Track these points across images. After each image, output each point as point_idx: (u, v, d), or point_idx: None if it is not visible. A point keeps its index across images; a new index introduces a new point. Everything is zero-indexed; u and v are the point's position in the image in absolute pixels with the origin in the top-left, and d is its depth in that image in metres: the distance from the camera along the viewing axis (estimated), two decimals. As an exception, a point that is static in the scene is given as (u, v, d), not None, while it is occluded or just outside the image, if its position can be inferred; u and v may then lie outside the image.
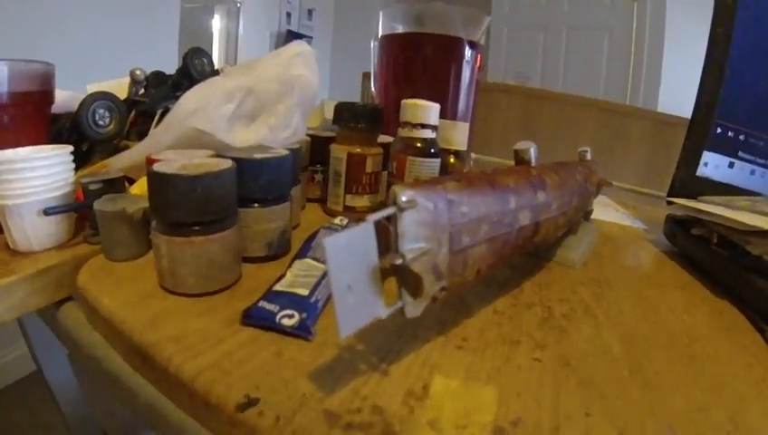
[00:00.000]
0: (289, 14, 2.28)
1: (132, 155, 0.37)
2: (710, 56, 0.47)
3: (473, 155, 0.87)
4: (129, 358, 0.22)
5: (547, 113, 1.06)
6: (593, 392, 0.20)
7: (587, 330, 0.26)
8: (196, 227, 0.24)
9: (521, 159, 0.28)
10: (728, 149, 0.48)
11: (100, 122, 0.41)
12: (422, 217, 0.18)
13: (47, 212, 0.28)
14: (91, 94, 0.40)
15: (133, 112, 0.51)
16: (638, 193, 0.83)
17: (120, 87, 0.54)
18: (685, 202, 0.45)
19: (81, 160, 0.41)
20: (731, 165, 0.48)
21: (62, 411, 0.65)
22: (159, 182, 0.24)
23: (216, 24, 2.12)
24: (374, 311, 0.17)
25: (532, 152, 0.28)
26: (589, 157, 0.50)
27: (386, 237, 0.17)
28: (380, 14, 0.55)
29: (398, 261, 0.17)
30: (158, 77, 0.58)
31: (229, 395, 0.17)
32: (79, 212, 0.32)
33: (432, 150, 0.37)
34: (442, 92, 0.51)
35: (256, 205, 0.30)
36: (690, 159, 0.48)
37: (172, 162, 0.26)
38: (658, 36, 1.80)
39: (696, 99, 0.48)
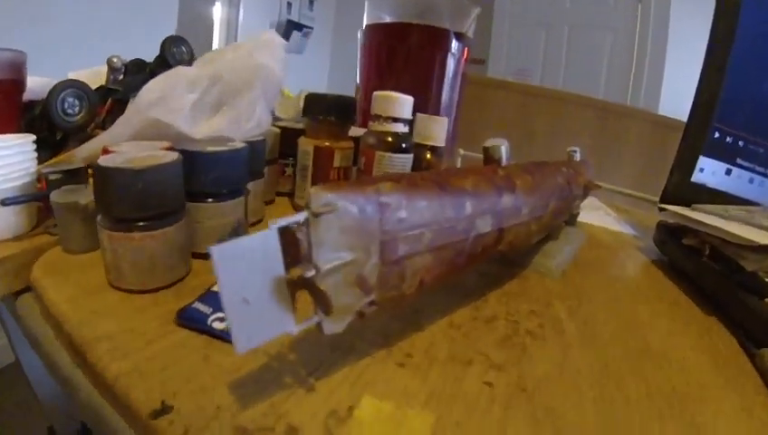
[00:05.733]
0: (290, 4, 2.24)
1: (94, 145, 0.36)
2: (710, 55, 0.44)
3: (461, 151, 0.85)
4: (70, 354, 0.22)
5: (544, 111, 1.03)
6: (547, 426, 0.18)
7: (553, 350, 0.23)
8: (140, 223, 0.24)
9: (490, 157, 0.26)
10: (726, 154, 0.45)
11: (70, 111, 0.41)
12: (344, 224, 0.15)
13: (5, 202, 0.28)
14: (61, 82, 0.40)
15: (110, 101, 0.50)
16: (631, 197, 0.80)
17: (101, 75, 0.53)
18: (677, 209, 0.42)
19: (55, 149, 0.41)
20: (728, 172, 0.45)
21: (40, 402, 0.64)
22: (100, 176, 0.23)
23: (218, 11, 2.10)
24: (281, 326, 0.15)
25: (504, 151, 0.26)
26: (578, 157, 0.47)
27: (296, 245, 0.15)
28: (366, 2, 0.52)
29: (310, 273, 0.15)
30: (137, 65, 0.56)
31: (145, 400, 0.17)
32: (43, 202, 0.31)
33: (403, 145, 0.35)
34: (424, 85, 0.48)
35: (209, 199, 0.29)
36: (685, 163, 0.46)
37: (121, 155, 0.25)
38: (662, 37, 1.77)
39: (694, 100, 0.45)
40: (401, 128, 0.35)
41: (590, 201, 0.63)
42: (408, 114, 0.35)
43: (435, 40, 0.48)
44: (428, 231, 0.18)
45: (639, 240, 0.49)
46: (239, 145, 0.30)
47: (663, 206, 0.44)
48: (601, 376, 0.22)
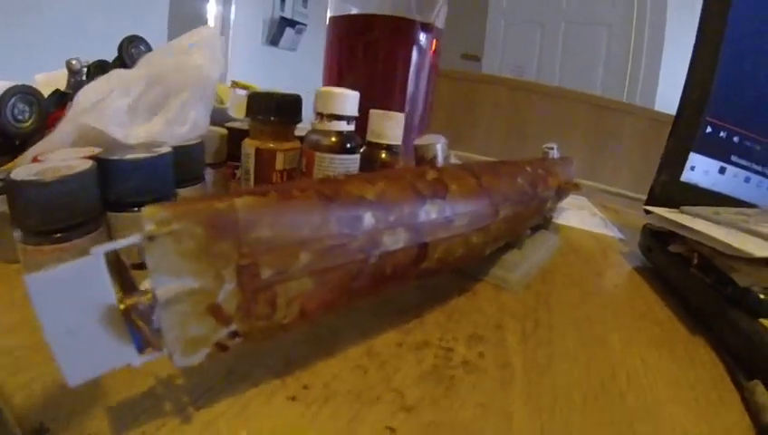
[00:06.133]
0: (283, 1, 2.21)
1: (33, 153, 0.34)
2: (701, 41, 0.40)
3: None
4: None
5: (537, 108, 0.98)
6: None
7: (488, 386, 0.20)
8: (53, 235, 0.23)
9: (422, 158, 0.22)
10: (719, 151, 0.41)
11: (20, 117, 0.40)
12: (185, 247, 0.13)
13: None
14: (10, 88, 0.38)
15: (67, 104, 0.48)
16: (622, 196, 0.76)
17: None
18: (664, 212, 0.38)
19: (13, 155, 0.40)
20: (722, 170, 0.41)
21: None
22: (9, 188, 0.23)
23: (211, 9, 2.08)
24: (120, 358, 0.14)
25: (439, 149, 0.22)
26: (555, 154, 0.43)
27: (129, 272, 0.12)
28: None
29: (144, 303, 0.13)
30: (100, 66, 0.54)
31: (29, 421, 0.16)
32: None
33: (348, 146, 0.31)
34: (387, 80, 0.45)
35: (135, 209, 0.28)
36: (674, 161, 0.42)
37: (41, 165, 0.25)
38: (658, 33, 1.73)
39: (683, 92, 0.41)
40: (344, 126, 0.31)
41: (574, 200, 0.59)
42: (352, 111, 0.31)
43: (399, 32, 0.44)
44: (306, 251, 0.14)
45: (625, 244, 0.45)
46: (163, 150, 0.29)
47: (649, 208, 0.40)
48: (542, 421, 0.18)
